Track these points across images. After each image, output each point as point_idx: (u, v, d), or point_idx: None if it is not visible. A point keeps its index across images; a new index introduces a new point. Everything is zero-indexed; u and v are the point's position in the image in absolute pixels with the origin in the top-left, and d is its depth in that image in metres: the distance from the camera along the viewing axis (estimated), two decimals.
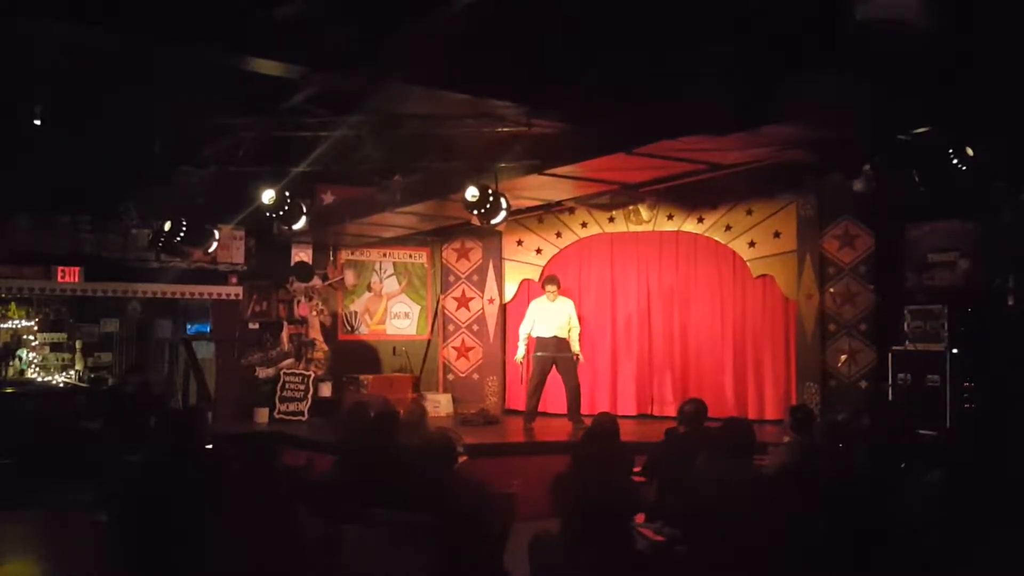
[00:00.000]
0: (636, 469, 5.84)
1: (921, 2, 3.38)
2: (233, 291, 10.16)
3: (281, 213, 7.39)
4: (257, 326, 10.34)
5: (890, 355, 7.99)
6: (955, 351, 7.50)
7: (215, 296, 10.13)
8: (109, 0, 4.51)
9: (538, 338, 9.24)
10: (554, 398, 9.86)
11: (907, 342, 7.86)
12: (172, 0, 4.58)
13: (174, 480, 4.40)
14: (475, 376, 10.86)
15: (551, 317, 9.21)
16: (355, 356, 10.74)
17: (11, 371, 12.76)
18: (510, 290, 10.79)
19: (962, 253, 7.88)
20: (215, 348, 10.42)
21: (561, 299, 9.36)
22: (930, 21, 3.60)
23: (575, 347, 9.22)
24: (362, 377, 10.35)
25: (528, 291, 10.77)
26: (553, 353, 9.11)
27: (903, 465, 5.79)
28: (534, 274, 10.67)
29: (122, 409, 7.91)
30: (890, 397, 7.94)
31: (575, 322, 9.30)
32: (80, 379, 12.37)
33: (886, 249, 8.61)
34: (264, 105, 6.35)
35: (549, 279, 9.53)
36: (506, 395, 10.80)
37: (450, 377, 10.97)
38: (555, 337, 9.15)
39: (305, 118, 6.53)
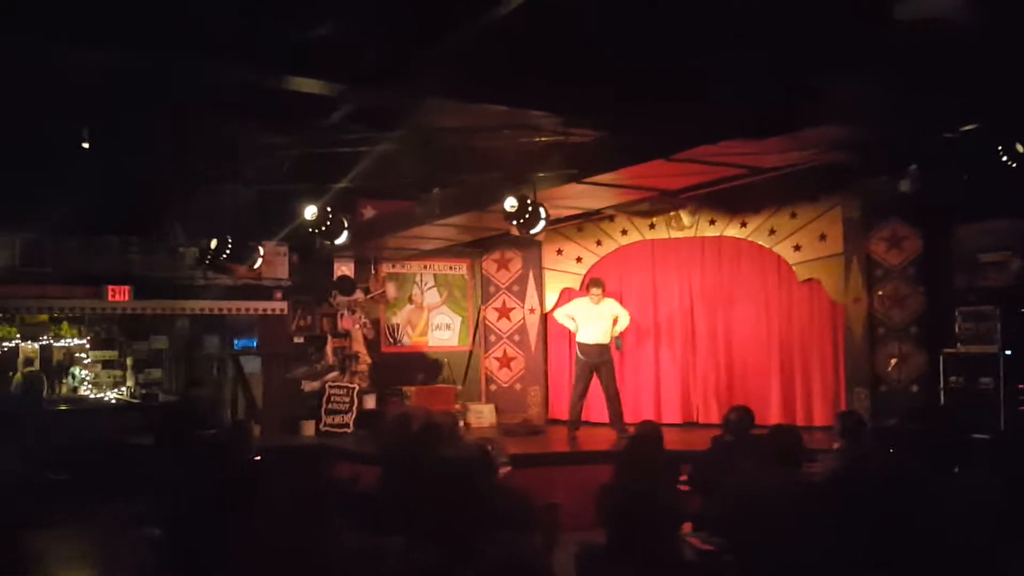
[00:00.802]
0: (682, 478, 5.78)
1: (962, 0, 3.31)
2: (278, 306, 10.30)
3: (323, 229, 7.48)
4: (302, 340, 10.47)
5: (941, 358, 7.82)
6: (1008, 353, 7.34)
7: (261, 311, 10.27)
8: (149, 23, 4.61)
9: (581, 344, 9.21)
10: (598, 407, 9.81)
11: (959, 344, 7.69)
12: (211, 21, 4.67)
13: (223, 494, 4.47)
14: (517, 386, 10.86)
15: (595, 322, 9.18)
16: (398, 368, 10.81)
17: (65, 388, 13.09)
18: (551, 300, 10.78)
19: (1014, 252, 7.69)
20: (262, 362, 10.56)
21: (606, 301, 9.32)
22: (972, 17, 3.52)
23: (618, 328, 9.20)
24: (405, 389, 10.41)
25: (569, 300, 10.73)
26: (596, 359, 9.07)
27: (956, 470, 5.66)
28: (575, 283, 10.65)
29: (174, 424, 8.04)
30: (942, 401, 7.76)
31: (623, 318, 9.28)
32: (132, 395, 12.63)
33: (935, 250, 8.42)
34: (304, 123, 6.44)
35: (594, 281, 9.47)
36: (549, 405, 10.78)
37: (492, 387, 10.98)
38: (599, 344, 9.12)
39: (344, 134, 6.60)
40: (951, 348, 7.75)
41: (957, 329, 7.73)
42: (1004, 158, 5.60)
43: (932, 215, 8.33)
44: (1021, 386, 7.27)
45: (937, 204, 7.97)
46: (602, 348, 9.12)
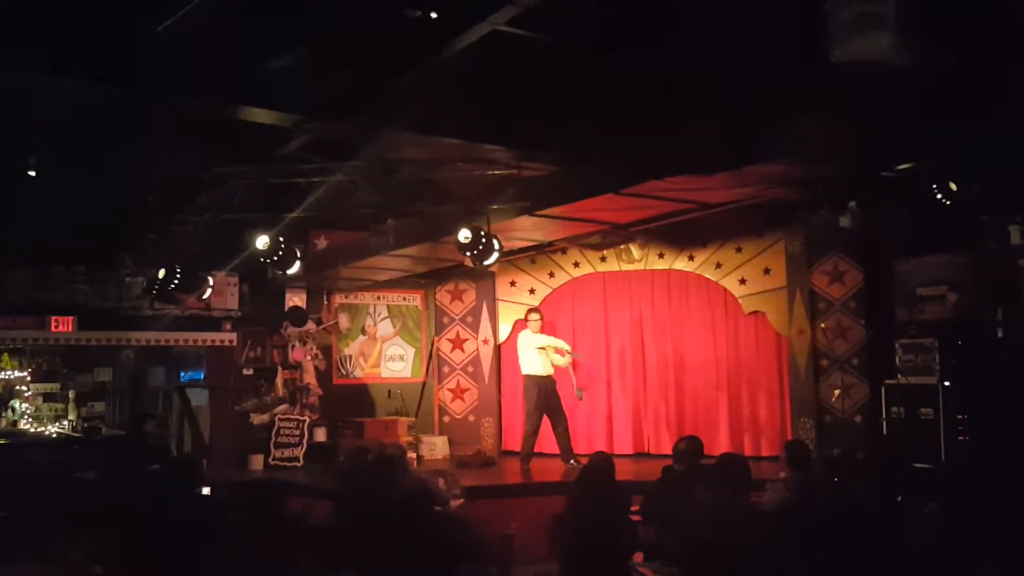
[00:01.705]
0: (634, 508, 5.83)
1: (896, 42, 3.47)
2: (227, 337, 10.15)
3: (275, 258, 7.46)
4: (251, 372, 10.31)
5: (883, 389, 8.02)
6: (947, 384, 7.53)
7: (209, 342, 10.11)
8: (102, 54, 4.60)
9: (530, 375, 9.27)
10: (550, 438, 9.86)
11: (899, 376, 7.90)
12: (166, 52, 4.67)
13: (172, 530, 4.39)
14: (471, 418, 10.84)
15: (539, 353, 9.31)
16: (350, 400, 10.72)
17: (4, 422, 12.69)
18: (504, 331, 10.81)
19: (951, 286, 7.94)
20: (209, 395, 10.38)
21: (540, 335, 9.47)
22: (906, 60, 3.70)
23: (567, 358, 9.43)
24: (357, 421, 10.32)
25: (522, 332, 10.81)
26: (548, 391, 9.14)
27: (900, 499, 5.81)
28: None
29: (119, 458, 7.86)
30: (885, 431, 7.95)
31: (552, 345, 9.43)
32: (74, 429, 12.30)
33: (875, 284, 8.69)
34: (258, 153, 6.43)
35: (534, 309, 9.69)
36: (503, 436, 10.76)
37: (446, 419, 10.95)
38: (549, 376, 9.20)
39: (299, 165, 6.62)
40: (892, 379, 7.95)
41: (898, 361, 7.94)
42: (939, 195, 5.83)
43: (872, 250, 8.61)
44: (960, 416, 7.46)
45: (877, 239, 8.25)
46: (551, 379, 9.20)
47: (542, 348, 9.35)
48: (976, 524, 4.99)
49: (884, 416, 7.96)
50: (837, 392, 8.79)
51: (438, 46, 4.60)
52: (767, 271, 9.45)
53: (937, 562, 4.62)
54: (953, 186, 5.76)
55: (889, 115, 4.90)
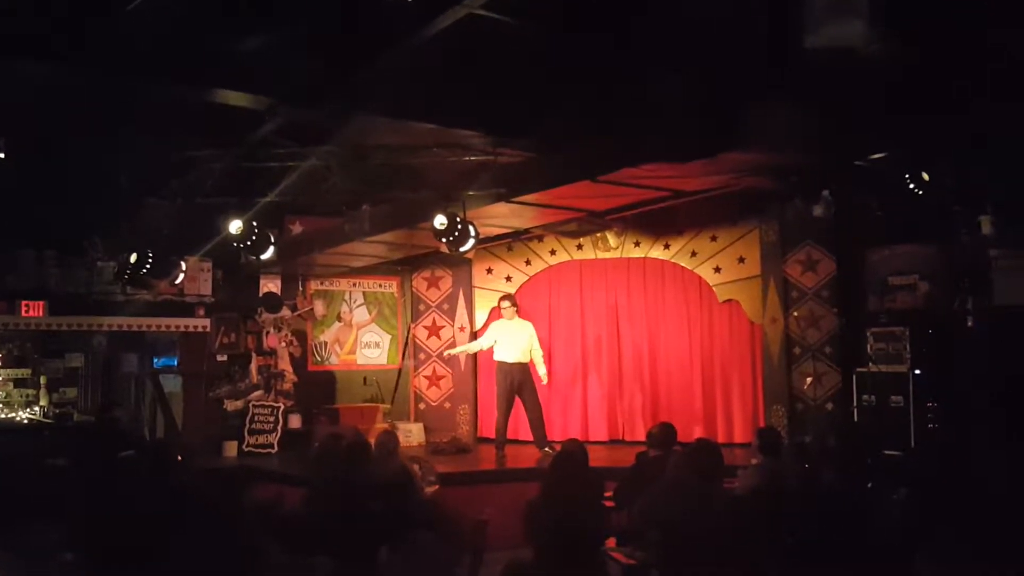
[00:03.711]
0: (607, 494, 5.87)
1: (868, 30, 3.49)
2: (200, 323, 10.07)
3: (249, 243, 7.39)
4: (225, 358, 10.23)
5: (854, 377, 8.12)
6: (917, 372, 7.64)
7: (182, 328, 10.03)
8: (74, 36, 4.52)
9: (501, 362, 9.26)
10: (526, 424, 9.87)
11: (871, 364, 7.99)
12: (137, 33, 4.60)
13: (143, 517, 4.36)
14: (447, 405, 10.84)
15: (513, 340, 9.25)
16: (325, 387, 10.68)
17: None
18: (481, 318, 10.81)
19: (922, 276, 8.04)
20: (183, 381, 10.30)
21: (520, 321, 9.42)
22: (878, 48, 3.72)
23: (541, 370, 9.27)
24: (332, 408, 10.29)
25: (499, 319, 10.81)
26: (518, 378, 9.13)
27: (870, 485, 5.88)
28: None
29: (91, 445, 7.78)
30: (855, 418, 8.05)
31: (537, 345, 9.36)
32: (45, 415, 12.15)
33: (847, 273, 8.76)
34: (231, 137, 6.37)
35: (506, 296, 9.62)
36: (478, 423, 10.78)
37: (421, 406, 10.94)
38: (519, 363, 9.18)
39: (273, 149, 6.56)
40: (863, 367, 8.05)
41: (869, 349, 8.04)
42: (911, 186, 5.88)
43: (845, 240, 8.68)
44: (930, 404, 7.56)
45: (850, 229, 8.32)
46: (523, 367, 9.19)
47: (529, 336, 9.30)
48: (942, 509, 5.08)
49: (855, 404, 8.06)
50: (809, 380, 8.89)
51: (413, 29, 4.56)
52: (741, 260, 9.51)
53: (904, 546, 4.69)
54: (925, 176, 5.82)
55: (862, 105, 4.93)
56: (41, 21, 4.38)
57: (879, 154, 5.94)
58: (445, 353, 10.36)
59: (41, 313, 9.33)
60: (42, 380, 12.68)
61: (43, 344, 12.47)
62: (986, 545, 5.54)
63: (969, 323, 7.66)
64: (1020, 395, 6.76)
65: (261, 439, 9.85)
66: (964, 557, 5.33)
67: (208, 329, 10.10)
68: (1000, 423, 6.89)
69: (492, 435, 9.68)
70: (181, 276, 8.48)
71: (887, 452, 7.30)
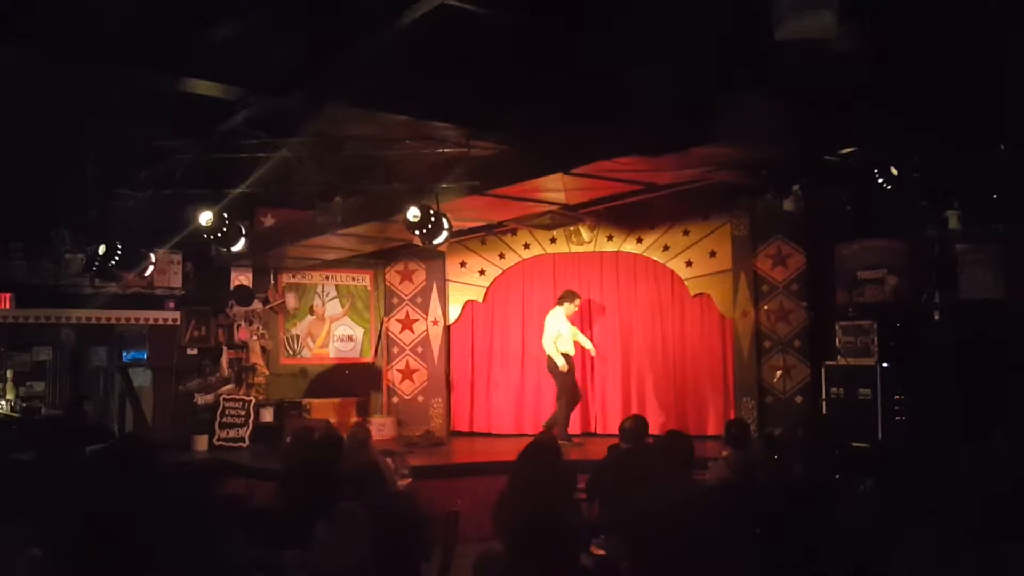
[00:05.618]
0: (579, 486, 5.88)
1: (838, 23, 3.52)
2: (170, 316, 9.96)
3: (219, 235, 7.30)
4: (196, 352, 10.14)
5: (823, 370, 8.20)
6: (885, 365, 7.72)
7: (152, 321, 9.91)
8: (41, 21, 4.44)
9: (568, 355, 9.37)
10: (500, 418, 9.90)
11: (839, 357, 8.07)
12: (106, 20, 4.53)
13: (110, 511, 4.30)
14: (420, 398, 10.82)
15: (570, 333, 9.48)
16: (298, 380, 10.62)
17: None
18: (454, 312, 10.80)
19: (890, 270, 8.12)
20: (152, 375, 10.19)
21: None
22: (848, 42, 3.75)
23: (587, 344, 9.78)
24: (305, 401, 10.23)
25: (472, 312, 10.80)
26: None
27: (837, 476, 5.95)
28: (478, 295, 10.72)
29: (59, 439, 7.67)
30: (824, 411, 8.13)
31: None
32: (12, 409, 11.97)
33: (817, 267, 8.86)
34: (201, 127, 6.29)
35: (571, 292, 9.68)
36: (451, 417, 10.77)
37: (394, 400, 10.90)
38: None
39: (243, 140, 6.49)
40: (832, 360, 8.13)
41: (838, 342, 8.12)
42: (880, 180, 5.94)
43: (815, 234, 8.77)
44: (897, 397, 7.65)
45: (819, 224, 8.40)
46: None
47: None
48: (909, 501, 5.14)
49: (824, 396, 8.14)
50: (779, 373, 8.97)
51: (386, 19, 4.53)
52: (713, 254, 9.57)
53: (870, 537, 4.75)
54: (894, 171, 5.88)
55: (830, 98, 4.97)
56: (1, 1, 4.30)
57: (849, 149, 6.00)
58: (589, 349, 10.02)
59: (8, 306, 9.19)
60: (9, 374, 12.47)
61: (10, 337, 12.26)
62: (954, 535, 5.62)
63: (936, 317, 7.77)
64: (986, 388, 6.86)
65: (232, 433, 9.78)
66: (932, 548, 5.39)
67: (178, 322, 10.00)
68: (966, 416, 6.98)
69: (465, 428, 9.69)
70: (151, 268, 8.38)
71: (855, 444, 7.37)
